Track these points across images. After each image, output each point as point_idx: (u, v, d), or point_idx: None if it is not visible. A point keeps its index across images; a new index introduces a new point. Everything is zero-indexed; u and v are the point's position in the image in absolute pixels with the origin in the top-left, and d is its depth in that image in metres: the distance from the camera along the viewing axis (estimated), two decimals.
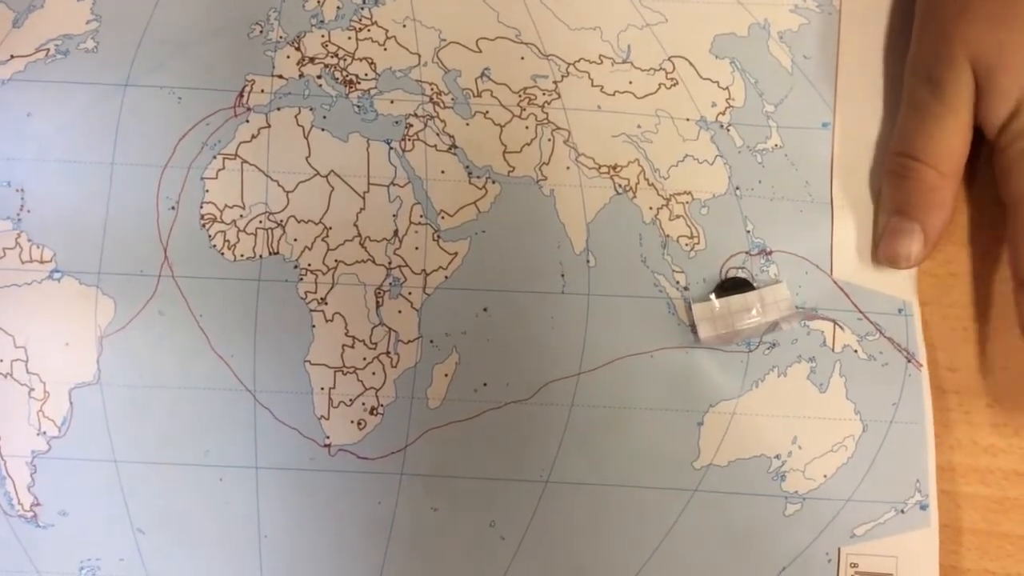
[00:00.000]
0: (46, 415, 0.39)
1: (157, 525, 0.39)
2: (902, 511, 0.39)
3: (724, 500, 0.39)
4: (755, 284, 0.39)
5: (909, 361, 0.39)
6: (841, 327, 0.40)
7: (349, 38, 0.40)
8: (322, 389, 0.39)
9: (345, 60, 0.40)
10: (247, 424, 0.39)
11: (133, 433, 0.39)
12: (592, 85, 0.40)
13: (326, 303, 0.39)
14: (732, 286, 0.39)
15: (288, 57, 0.40)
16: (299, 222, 0.39)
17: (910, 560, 0.39)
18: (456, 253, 0.39)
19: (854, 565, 0.39)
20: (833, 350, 0.40)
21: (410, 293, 0.39)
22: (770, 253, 0.40)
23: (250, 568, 0.39)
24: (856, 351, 0.40)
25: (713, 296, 0.39)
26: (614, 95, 0.40)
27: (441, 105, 0.40)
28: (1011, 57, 0.36)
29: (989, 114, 0.37)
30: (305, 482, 0.39)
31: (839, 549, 0.39)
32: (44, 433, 0.39)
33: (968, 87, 0.37)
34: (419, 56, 0.40)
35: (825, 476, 0.39)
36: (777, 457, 0.39)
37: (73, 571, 0.39)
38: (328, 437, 0.39)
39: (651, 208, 0.40)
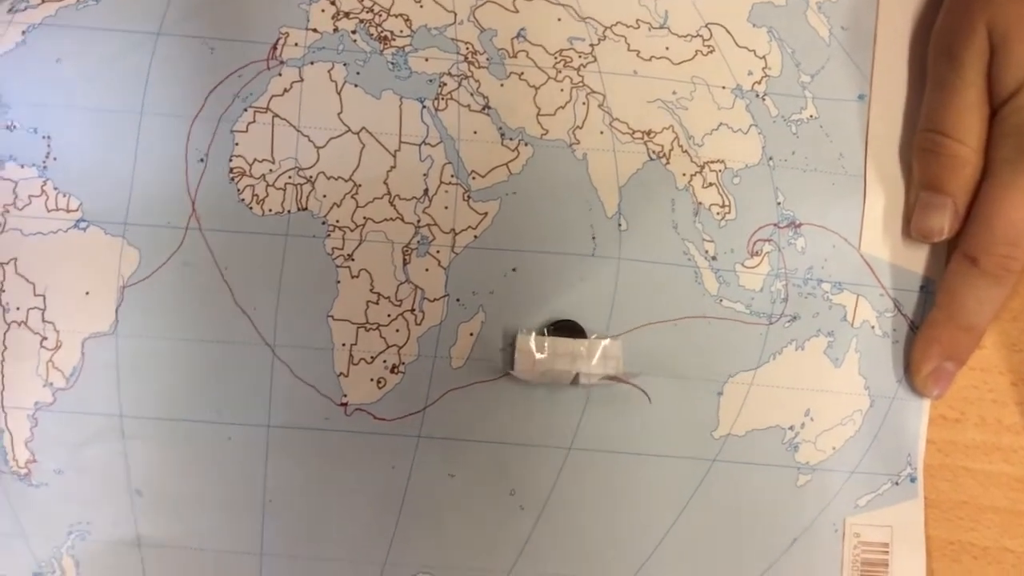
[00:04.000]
0: (55, 365, 0.38)
1: (156, 486, 0.38)
2: (896, 483, 0.40)
3: (741, 470, 0.39)
4: (587, 334, 0.39)
5: None
6: (865, 299, 0.40)
7: None
8: (343, 345, 0.38)
9: (380, 16, 0.40)
10: (263, 380, 0.38)
11: (144, 387, 0.38)
12: (628, 49, 0.40)
13: (353, 259, 0.39)
14: (566, 328, 0.39)
15: (323, 11, 0.40)
16: (329, 178, 0.39)
17: (902, 529, 0.40)
18: (486, 213, 0.39)
19: (857, 535, 0.40)
20: (852, 325, 0.40)
21: (438, 251, 0.39)
22: (799, 226, 0.40)
23: (249, 533, 0.38)
24: (874, 327, 0.40)
25: (545, 332, 0.38)
26: (650, 60, 0.40)
27: (476, 65, 0.40)
28: None
29: (997, 82, 0.37)
30: (317, 443, 0.38)
31: (844, 520, 0.40)
32: (51, 384, 0.38)
33: (982, 56, 0.37)
34: (455, 14, 0.40)
35: (834, 448, 0.40)
36: (791, 428, 0.39)
37: (62, 534, 0.38)
38: (345, 395, 0.38)
39: (684, 175, 0.40)
